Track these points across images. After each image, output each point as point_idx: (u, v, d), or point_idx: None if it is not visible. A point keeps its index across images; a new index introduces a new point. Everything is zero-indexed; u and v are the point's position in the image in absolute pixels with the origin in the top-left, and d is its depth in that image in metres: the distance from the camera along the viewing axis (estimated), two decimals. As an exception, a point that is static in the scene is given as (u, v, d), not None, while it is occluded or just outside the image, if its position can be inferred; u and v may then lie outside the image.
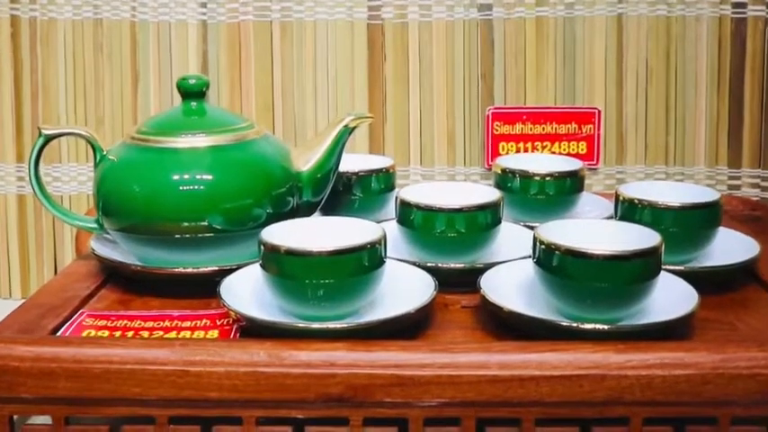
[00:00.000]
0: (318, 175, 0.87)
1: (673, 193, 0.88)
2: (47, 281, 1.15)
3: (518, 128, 1.12)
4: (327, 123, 1.12)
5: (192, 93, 0.86)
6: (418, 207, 0.84)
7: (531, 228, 0.92)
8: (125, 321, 0.76)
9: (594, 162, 1.13)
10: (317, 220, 0.79)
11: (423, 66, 1.12)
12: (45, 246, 1.16)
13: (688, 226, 0.83)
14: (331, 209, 0.93)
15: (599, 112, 1.12)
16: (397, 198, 0.86)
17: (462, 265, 0.82)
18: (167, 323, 0.76)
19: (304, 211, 0.87)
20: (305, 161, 0.87)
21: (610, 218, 0.96)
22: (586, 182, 1.06)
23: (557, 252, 0.71)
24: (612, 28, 1.11)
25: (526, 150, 1.12)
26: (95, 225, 0.86)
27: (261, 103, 1.13)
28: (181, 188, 0.80)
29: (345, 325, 0.69)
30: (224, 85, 1.13)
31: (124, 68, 1.13)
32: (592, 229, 0.77)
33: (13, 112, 1.14)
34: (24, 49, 1.13)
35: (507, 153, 1.12)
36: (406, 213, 0.84)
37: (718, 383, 0.63)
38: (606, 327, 0.69)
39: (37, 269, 1.17)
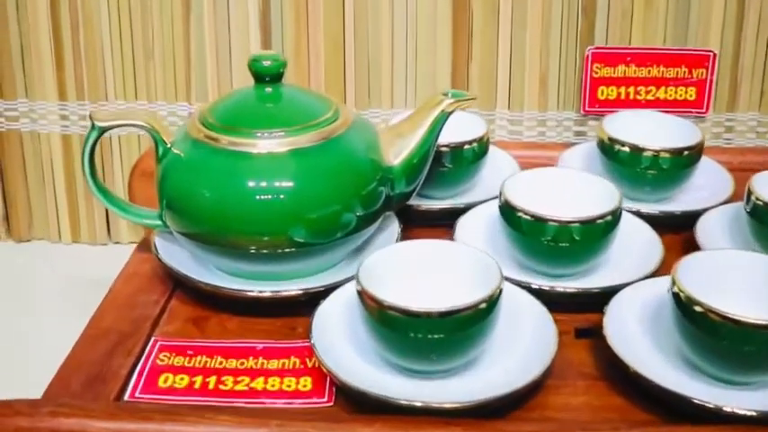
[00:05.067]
0: (412, 166, 0.76)
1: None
2: (97, 224, 1.08)
3: (620, 70, 0.99)
4: (405, 66, 1.00)
5: (268, 76, 0.74)
6: (526, 213, 0.73)
7: (641, 215, 0.84)
8: (203, 358, 0.68)
9: (704, 110, 1.00)
10: (419, 248, 0.69)
11: (515, -3, 0.98)
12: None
13: None
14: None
15: (714, 55, 0.98)
16: (501, 195, 0.76)
17: (576, 289, 0.73)
18: (251, 362, 0.68)
19: (397, 202, 0.77)
20: (397, 151, 0.76)
21: (728, 200, 0.86)
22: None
23: (700, 310, 0.61)
24: (737, -42, 0.96)
25: (627, 96, 1.00)
26: (159, 222, 0.76)
27: (330, 40, 1.00)
28: (258, 197, 0.70)
29: (463, 403, 0.61)
30: (288, 19, 0.99)
31: (174, -5, 1.00)
32: (735, 272, 0.67)
33: (51, 44, 1.01)
34: (59, -30, 1.00)
35: (606, 98, 1.00)
36: (512, 217, 0.74)
37: None
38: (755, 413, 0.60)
39: (87, 212, 1.08)
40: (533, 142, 1.01)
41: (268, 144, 0.71)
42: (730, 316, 0.60)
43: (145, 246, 0.81)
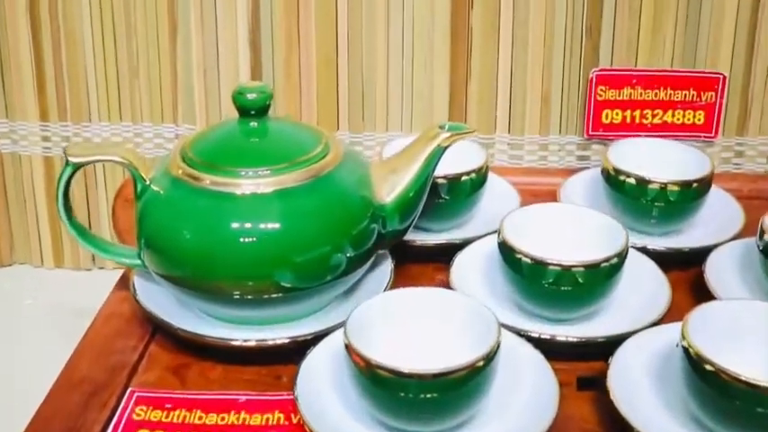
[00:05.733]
0: (406, 204, 0.72)
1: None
2: (81, 249, 1.04)
3: (626, 93, 0.95)
4: (401, 87, 0.96)
5: (254, 109, 0.70)
6: (526, 256, 0.69)
7: (648, 251, 0.80)
8: (182, 412, 0.64)
9: (713, 135, 0.96)
10: (411, 296, 0.65)
11: (517, 16, 0.93)
12: (77, 211, 1.02)
13: None
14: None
15: (724, 78, 0.94)
16: (499, 234, 0.72)
17: (578, 339, 0.69)
18: (233, 417, 0.64)
19: (390, 240, 0.73)
20: (389, 188, 0.72)
21: (739, 233, 0.82)
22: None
23: (711, 369, 0.57)
24: (750, -24, 0.92)
25: (633, 120, 0.96)
26: (139, 261, 0.72)
27: (322, 61, 0.95)
28: (242, 240, 0.66)
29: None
30: (279, 38, 0.95)
31: (160, 13, 0.95)
32: (749, 324, 0.63)
33: (32, 63, 0.97)
34: (40, -12, 0.95)
35: (611, 122, 0.96)
36: (511, 259, 0.70)
37: None
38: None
39: (70, 236, 1.03)
40: (534, 168, 0.97)
41: (253, 184, 0.67)
42: (743, 379, 0.56)
43: (125, 283, 0.76)
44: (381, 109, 0.97)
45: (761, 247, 0.74)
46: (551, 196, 0.89)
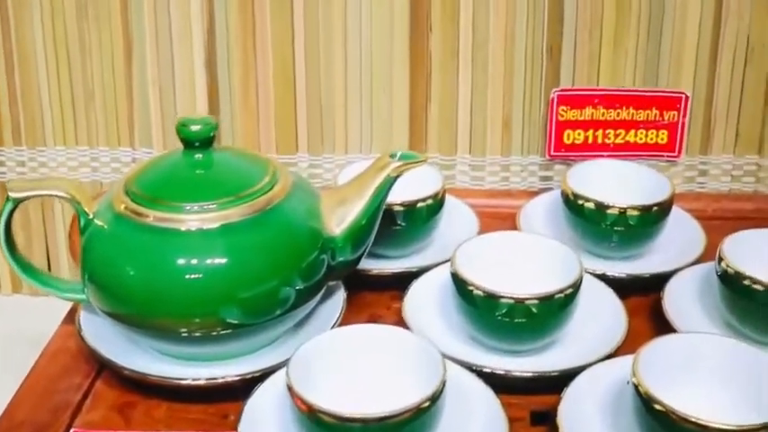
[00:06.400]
0: (356, 235, 0.71)
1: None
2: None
3: (588, 113, 0.94)
4: (360, 108, 0.94)
5: (197, 141, 0.69)
6: (478, 288, 0.68)
7: (606, 278, 0.78)
8: (125, 454, 0.63)
9: (676, 154, 0.95)
10: (358, 333, 0.64)
11: (476, 38, 0.92)
12: (34, 237, 1.01)
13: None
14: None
15: (686, 97, 0.93)
16: (452, 265, 0.70)
17: (532, 373, 0.68)
18: (176, 459, 0.62)
19: (341, 271, 0.72)
20: (339, 219, 0.70)
21: (698, 259, 0.81)
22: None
23: (660, 409, 0.56)
24: (711, -6, 0.91)
25: (595, 140, 0.94)
26: (83, 296, 0.70)
27: (280, 83, 0.94)
28: (187, 276, 0.64)
29: None
30: (235, 53, 0.93)
31: (114, 35, 0.93)
32: (702, 358, 0.62)
33: (-15, 87, 0.96)
34: (-9, 11, 0.93)
35: (573, 142, 0.94)
36: (464, 291, 0.69)
37: None
38: None
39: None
40: (496, 190, 0.96)
41: (198, 219, 0.65)
42: (693, 419, 0.55)
43: (72, 317, 0.75)
44: (341, 131, 0.95)
45: (719, 273, 0.73)
46: (513, 219, 0.88)
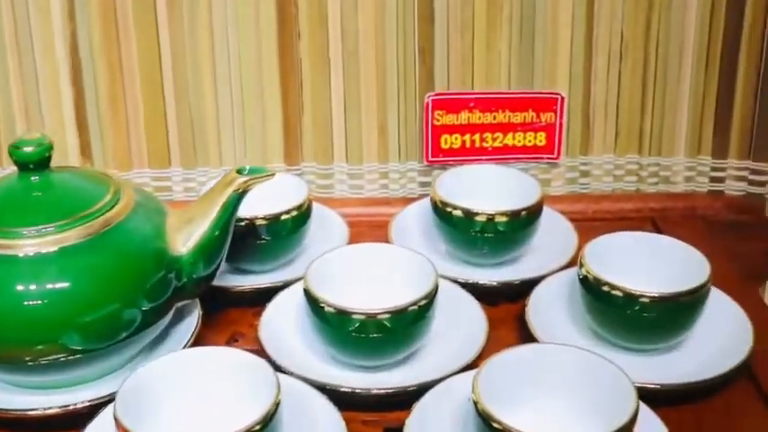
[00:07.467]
0: (203, 253, 0.69)
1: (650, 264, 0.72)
2: None
3: (464, 117, 0.92)
4: (232, 119, 0.92)
5: (32, 163, 0.66)
6: (329, 305, 0.66)
7: (475, 286, 0.77)
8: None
9: (555, 156, 0.94)
10: (194, 356, 0.61)
11: (346, 45, 0.90)
12: None
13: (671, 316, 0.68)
14: (234, 254, 0.75)
15: (562, 98, 0.91)
16: (304, 281, 0.68)
17: (386, 390, 0.66)
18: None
19: (192, 289, 0.70)
20: (186, 237, 0.68)
21: (568, 264, 0.79)
22: (545, 177, 0.95)
23: (498, 427, 0.55)
24: (581, -7, 0.90)
25: (473, 144, 0.93)
26: None
27: (148, 96, 0.91)
28: (26, 303, 0.62)
29: None
30: (100, 69, 0.90)
31: (-26, 52, 0.90)
32: (549, 371, 0.61)
33: None
34: None
35: (451, 147, 0.93)
36: (315, 308, 0.67)
37: None
38: None
39: None
40: (374, 198, 0.94)
41: (35, 243, 0.63)
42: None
43: None
44: (213, 143, 0.93)
45: (580, 278, 0.72)
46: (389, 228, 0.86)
